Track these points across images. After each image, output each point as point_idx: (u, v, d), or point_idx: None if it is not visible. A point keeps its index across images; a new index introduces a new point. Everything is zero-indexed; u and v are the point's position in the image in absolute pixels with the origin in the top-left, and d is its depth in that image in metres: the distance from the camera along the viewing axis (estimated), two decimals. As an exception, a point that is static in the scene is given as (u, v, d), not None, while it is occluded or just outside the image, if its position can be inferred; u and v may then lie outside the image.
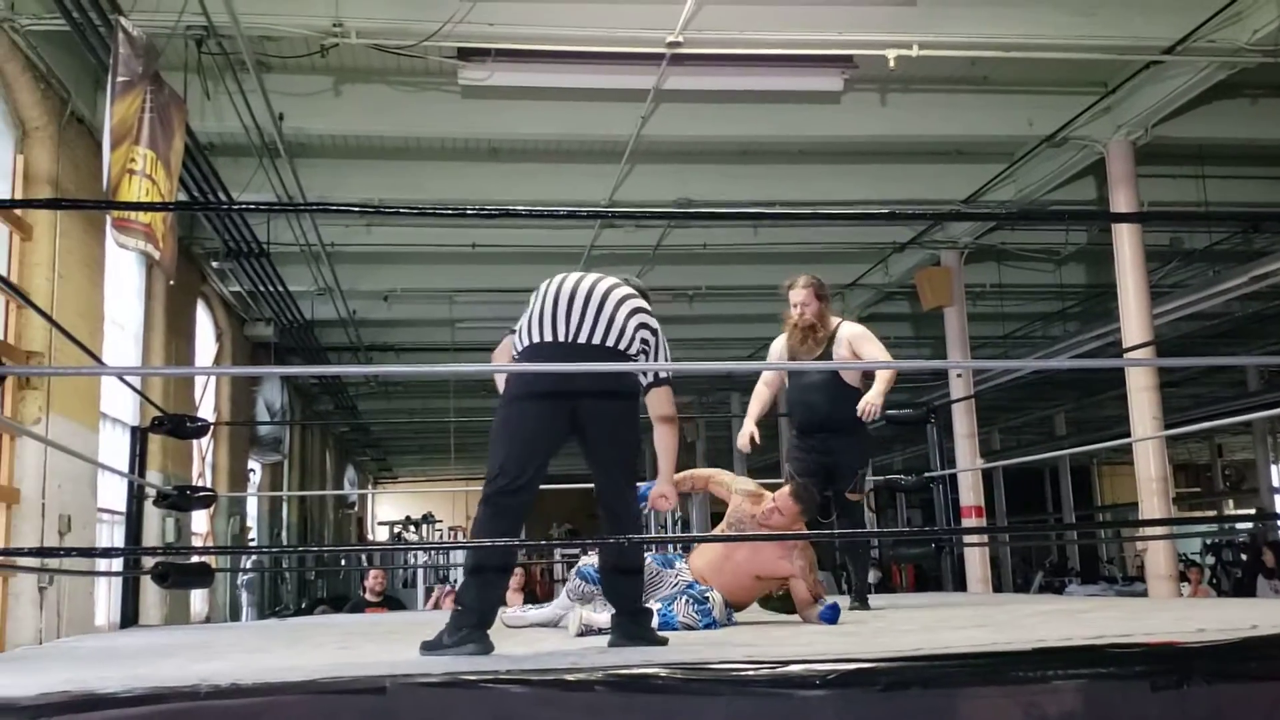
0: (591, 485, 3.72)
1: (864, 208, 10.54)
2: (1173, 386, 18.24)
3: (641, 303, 3.80)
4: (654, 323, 3.79)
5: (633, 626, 3.62)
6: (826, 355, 5.64)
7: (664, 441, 3.83)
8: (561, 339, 3.59)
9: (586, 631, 4.13)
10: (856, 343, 5.65)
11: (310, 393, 19.40)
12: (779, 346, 5.86)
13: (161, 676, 2.47)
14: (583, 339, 3.59)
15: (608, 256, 12.47)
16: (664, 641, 3.60)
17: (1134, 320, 9.38)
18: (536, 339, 3.62)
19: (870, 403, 5.40)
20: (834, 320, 5.79)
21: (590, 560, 4.57)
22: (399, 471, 31.47)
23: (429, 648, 3.30)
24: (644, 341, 3.72)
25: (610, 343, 3.62)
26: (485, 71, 8.01)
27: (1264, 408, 13.69)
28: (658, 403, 3.78)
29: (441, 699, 2.28)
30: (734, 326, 16.40)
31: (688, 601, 4.42)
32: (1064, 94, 9.42)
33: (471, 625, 3.34)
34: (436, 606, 10.62)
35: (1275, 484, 23.28)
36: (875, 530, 16.07)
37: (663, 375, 3.78)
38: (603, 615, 4.21)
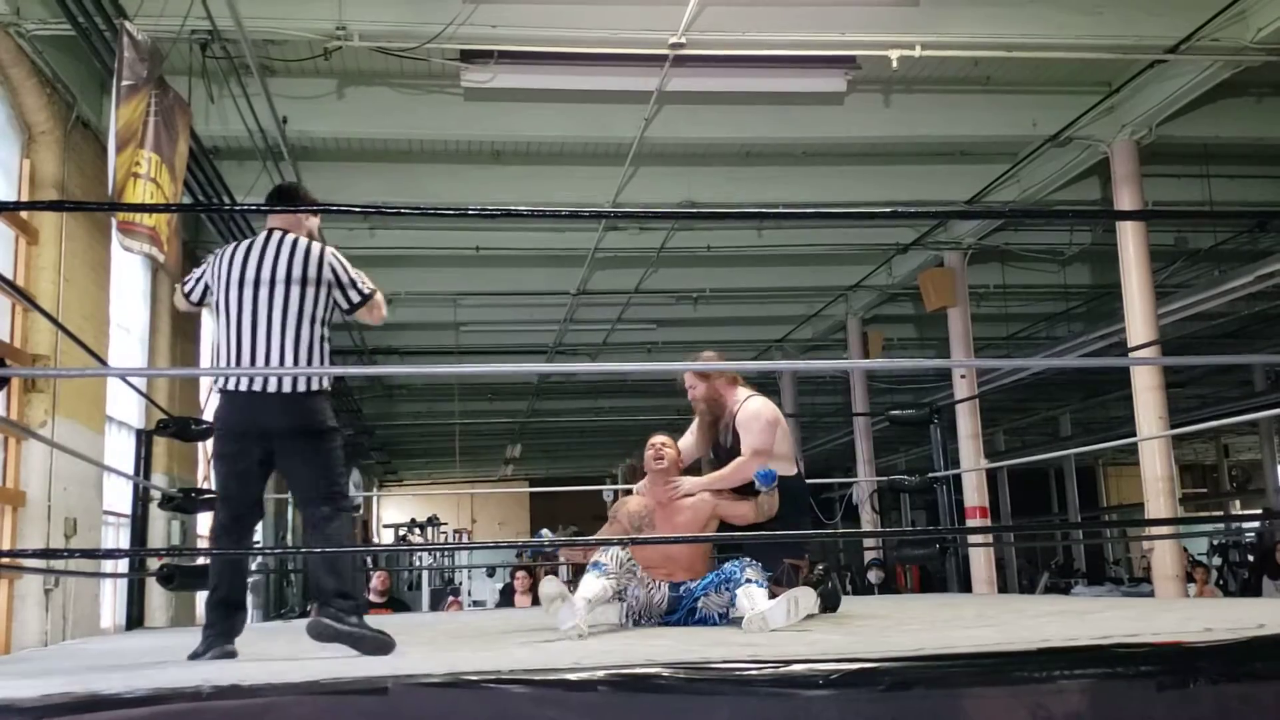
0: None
1: (867, 209, 10.53)
2: (1178, 387, 18.21)
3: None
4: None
5: (336, 614, 3.62)
6: (723, 440, 5.25)
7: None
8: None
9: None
10: (740, 428, 5.17)
11: (315, 396, 19.37)
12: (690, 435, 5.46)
13: (164, 677, 2.47)
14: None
15: (612, 259, 12.48)
16: (366, 637, 3.55)
17: (1139, 320, 9.36)
18: None
19: (683, 488, 5.00)
20: (734, 398, 5.27)
21: (604, 559, 4.53)
22: (404, 474, 31.49)
23: (193, 655, 3.63)
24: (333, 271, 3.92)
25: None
26: (488, 74, 8.02)
27: (1270, 407, 13.66)
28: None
29: (443, 699, 2.27)
30: (738, 329, 16.40)
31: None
32: (1068, 94, 9.41)
33: (216, 634, 3.73)
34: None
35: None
36: (879, 530, 16.07)
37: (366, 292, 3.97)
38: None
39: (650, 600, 4.61)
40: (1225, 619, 3.19)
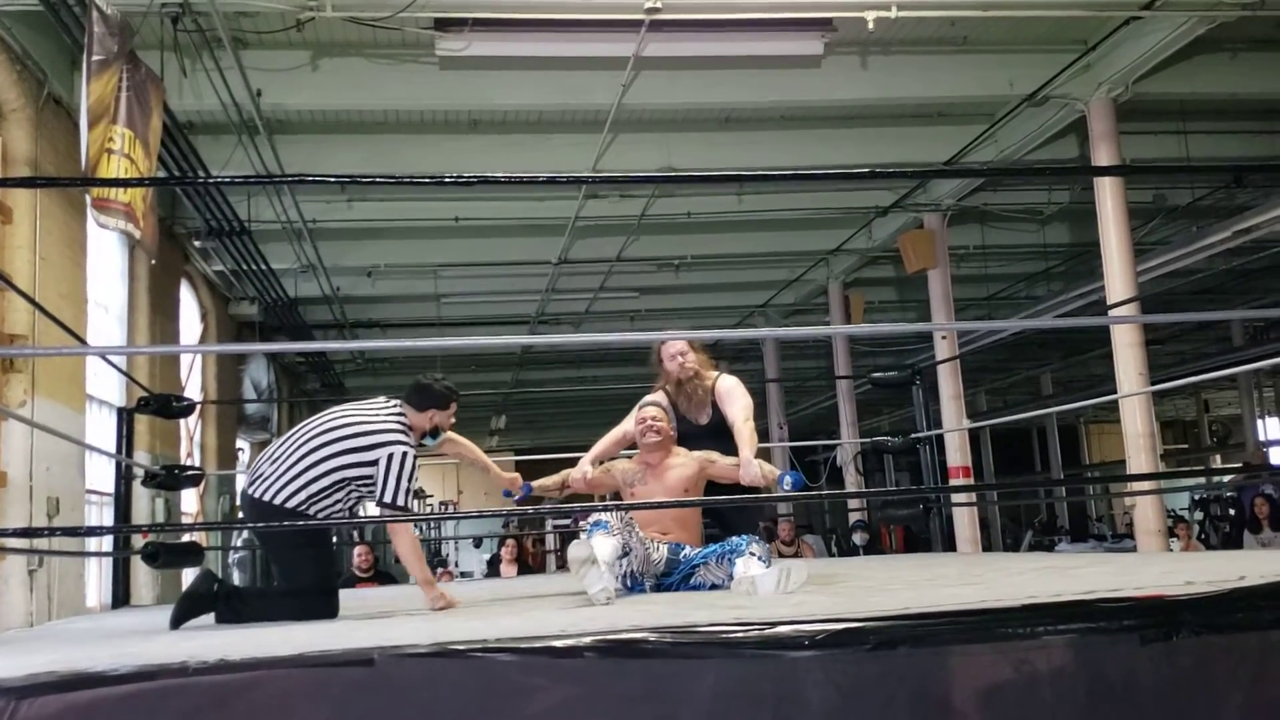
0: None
1: (846, 170, 10.51)
2: (1158, 344, 18.31)
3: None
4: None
5: None
6: (696, 418, 5.29)
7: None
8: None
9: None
10: (723, 400, 5.23)
11: (297, 371, 19.34)
12: (657, 403, 5.29)
13: (150, 654, 2.46)
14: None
15: (592, 228, 12.44)
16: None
17: (1118, 277, 9.40)
18: None
19: (747, 468, 4.86)
20: (711, 374, 5.36)
21: (605, 517, 4.44)
22: (389, 448, 31.46)
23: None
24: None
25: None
26: (463, 42, 7.94)
27: (1249, 362, 13.76)
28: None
29: (429, 669, 2.27)
30: (720, 295, 16.40)
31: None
32: (1044, 52, 9.40)
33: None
34: None
35: (1262, 438, 23.41)
36: (863, 490, 16.15)
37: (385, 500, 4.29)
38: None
39: (648, 558, 4.58)
40: (1206, 571, 3.22)
